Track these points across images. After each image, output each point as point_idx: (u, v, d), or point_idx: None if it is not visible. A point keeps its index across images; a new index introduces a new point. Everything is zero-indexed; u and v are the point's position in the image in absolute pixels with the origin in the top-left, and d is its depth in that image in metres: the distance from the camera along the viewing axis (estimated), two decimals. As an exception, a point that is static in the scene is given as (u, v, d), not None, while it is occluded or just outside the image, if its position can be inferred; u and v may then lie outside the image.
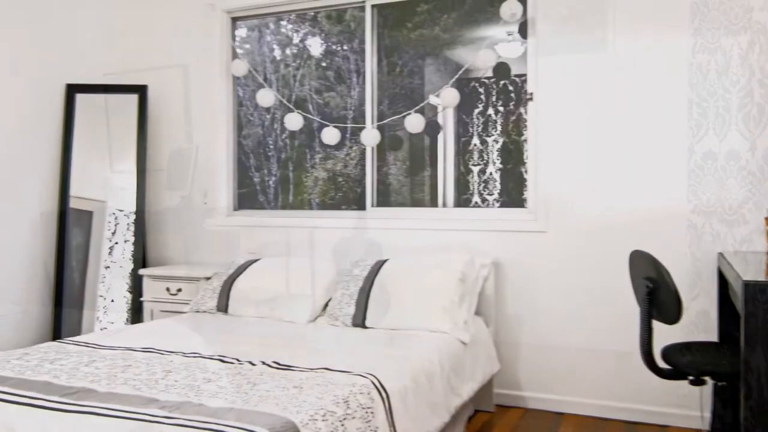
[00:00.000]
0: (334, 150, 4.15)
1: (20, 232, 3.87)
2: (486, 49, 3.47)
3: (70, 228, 4.03)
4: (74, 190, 4.05)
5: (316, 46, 4.31)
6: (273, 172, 4.33)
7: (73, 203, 4.04)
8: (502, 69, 3.55)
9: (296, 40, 4.33)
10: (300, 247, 3.71)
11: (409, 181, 4.09)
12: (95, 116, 4.12)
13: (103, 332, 2.93)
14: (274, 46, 4.35)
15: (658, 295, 2.33)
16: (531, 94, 3.43)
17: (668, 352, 2.42)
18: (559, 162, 3.35)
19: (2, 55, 3.75)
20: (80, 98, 4.09)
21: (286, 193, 4.32)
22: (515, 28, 3.53)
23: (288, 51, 4.33)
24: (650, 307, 2.36)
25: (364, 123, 3.86)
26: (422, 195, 4.12)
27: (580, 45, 3.29)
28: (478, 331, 3.09)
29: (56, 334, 3.96)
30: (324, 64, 4.25)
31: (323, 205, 4.22)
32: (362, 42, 3.93)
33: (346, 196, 4.14)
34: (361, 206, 3.97)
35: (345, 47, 4.15)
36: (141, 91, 4.11)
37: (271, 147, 4.33)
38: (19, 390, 2.00)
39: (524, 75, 3.56)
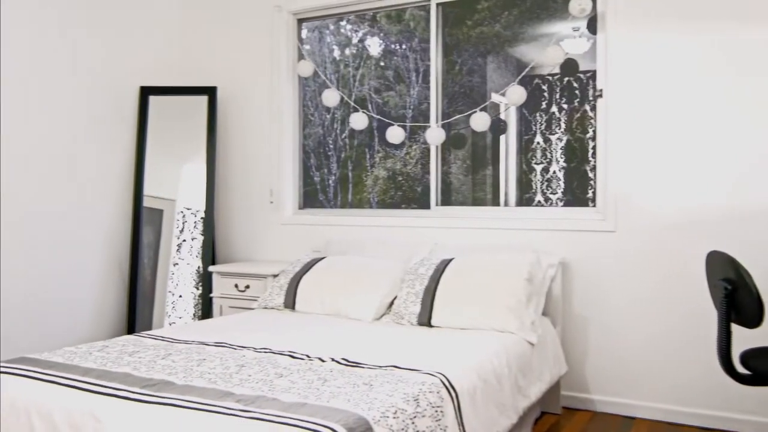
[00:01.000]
0: (394, 149, 4.16)
1: (98, 230, 4.04)
2: (554, 45, 3.41)
3: (143, 226, 4.18)
4: (146, 189, 4.21)
5: (374, 46, 4.34)
6: (333, 171, 4.38)
7: (145, 202, 4.20)
8: (569, 65, 3.48)
9: (355, 40, 4.37)
10: (364, 246, 3.73)
11: (469, 179, 4.06)
12: (167, 117, 4.26)
13: (177, 326, 3.02)
14: (334, 47, 4.40)
15: (737, 298, 2.24)
16: (600, 90, 3.36)
17: (748, 357, 2.33)
18: (629, 160, 3.27)
19: (80, 60, 3.92)
20: (153, 100, 4.24)
21: (345, 192, 4.37)
22: (582, 23, 3.46)
23: (347, 51, 4.37)
24: (728, 310, 2.27)
25: (423, 122, 3.87)
26: (483, 194, 4.09)
27: (651, 40, 3.21)
28: (545, 331, 3.05)
29: (130, 327, 4.11)
30: (383, 64, 4.27)
31: (382, 204, 4.24)
32: (422, 41, 3.93)
33: (405, 195, 4.15)
34: (421, 205, 3.97)
35: (404, 46, 4.16)
36: (210, 92, 4.23)
37: (331, 146, 4.38)
38: (103, 381, 2.09)
39: (589, 71, 3.48)
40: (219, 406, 1.84)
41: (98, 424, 1.87)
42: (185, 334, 2.77)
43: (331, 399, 1.91)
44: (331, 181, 4.38)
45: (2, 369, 2.21)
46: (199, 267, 4.17)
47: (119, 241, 4.18)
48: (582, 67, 3.52)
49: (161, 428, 1.79)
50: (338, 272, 3.36)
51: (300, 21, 4.26)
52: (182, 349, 2.51)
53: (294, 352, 2.44)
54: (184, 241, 4.21)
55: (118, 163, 4.15)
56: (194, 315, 4.13)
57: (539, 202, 3.81)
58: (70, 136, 3.86)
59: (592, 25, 3.39)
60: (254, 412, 1.79)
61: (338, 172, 4.36)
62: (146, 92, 4.24)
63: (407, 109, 4.11)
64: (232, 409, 1.82)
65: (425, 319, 2.98)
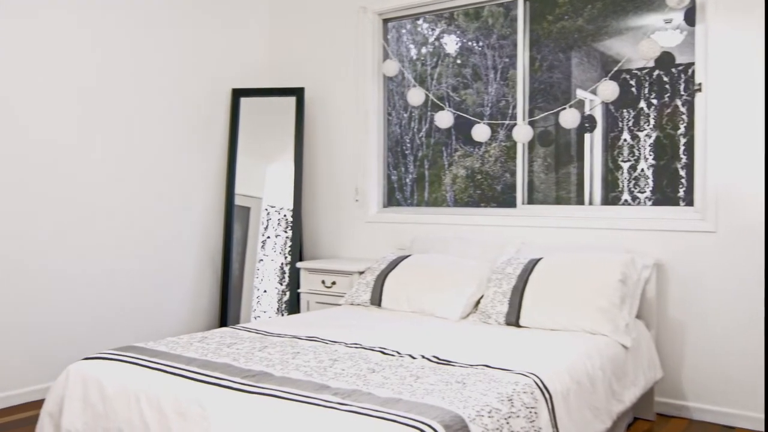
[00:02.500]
0: (471, 147, 4.14)
1: (194, 227, 4.22)
2: (647, 38, 3.29)
3: (233, 223, 4.34)
4: (237, 187, 4.36)
5: (451, 44, 4.32)
6: (410, 170, 4.39)
7: (235, 200, 4.36)
8: (665, 59, 3.35)
9: (432, 38, 4.36)
10: (448, 245, 3.73)
11: (550, 178, 3.98)
12: (256, 118, 4.40)
13: (269, 320, 3.12)
14: (411, 46, 4.41)
15: None
16: (699, 84, 3.22)
17: None
18: (730, 156, 3.12)
19: (175, 65, 4.10)
20: (244, 102, 4.39)
21: (421, 191, 4.37)
22: (677, 15, 3.33)
23: (424, 50, 4.37)
24: None
25: (501, 119, 3.82)
26: (566, 192, 4.00)
27: (753, 29, 3.05)
28: (639, 335, 2.96)
29: (222, 320, 4.27)
30: (459, 62, 4.25)
31: (460, 203, 4.22)
32: (501, 37, 3.89)
33: (484, 193, 4.11)
34: (500, 203, 3.94)
35: (481, 44, 4.12)
36: (298, 93, 4.33)
37: (408, 145, 4.39)
38: (205, 370, 2.18)
39: (680, 65, 3.34)
40: (317, 399, 1.88)
41: (203, 411, 1.95)
42: (278, 328, 2.86)
43: (426, 396, 1.92)
44: (408, 180, 4.40)
45: (112, 356, 2.35)
46: (282, 263, 4.27)
47: (213, 238, 4.35)
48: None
49: (262, 417, 1.85)
50: (424, 270, 3.37)
51: (385, 21, 4.30)
52: (276, 342, 2.59)
53: (384, 349, 2.47)
54: (269, 238, 4.33)
55: (211, 163, 4.32)
56: (277, 310, 4.25)
57: (626, 201, 3.69)
58: (167, 138, 4.05)
59: (690, 17, 3.25)
60: (351, 405, 1.82)
61: (415, 170, 4.38)
62: (237, 94, 4.39)
63: (485, 107, 4.08)
64: (330, 401, 1.86)
65: (513, 319, 2.95)
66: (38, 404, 3.27)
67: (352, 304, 3.45)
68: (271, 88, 4.43)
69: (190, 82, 4.17)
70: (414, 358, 2.36)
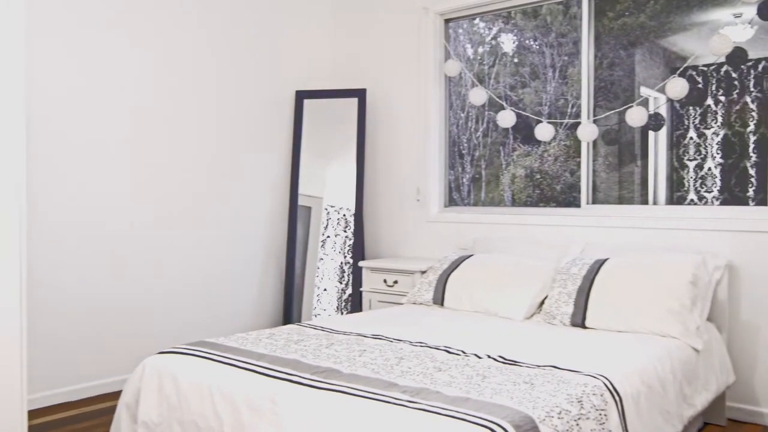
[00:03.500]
0: (530, 146, 4.10)
1: (258, 226, 4.33)
2: (719, 34, 3.20)
3: (297, 223, 4.42)
4: (299, 187, 4.44)
5: (508, 43, 4.29)
6: (467, 170, 4.38)
7: (299, 200, 4.44)
8: (737, 55, 3.25)
9: (488, 38, 4.33)
10: (511, 244, 3.70)
11: (611, 177, 3.90)
12: (319, 119, 4.47)
13: (333, 318, 3.17)
14: (467, 45, 4.40)
15: None
16: (774, 80, 3.11)
17: None
18: (808, 155, 2.99)
19: (241, 68, 4.21)
20: (307, 103, 4.46)
21: (478, 191, 4.35)
22: (747, 9, 3.22)
23: (480, 49, 4.35)
24: None
25: (559, 118, 3.76)
26: (628, 192, 3.91)
27: None
28: (710, 338, 2.87)
29: (286, 317, 4.36)
30: (517, 61, 4.22)
31: (519, 203, 4.19)
32: (559, 35, 3.83)
33: (543, 193, 4.07)
34: (560, 203, 3.89)
35: (539, 42, 4.07)
36: (360, 94, 4.38)
37: (465, 145, 4.38)
38: (275, 366, 2.24)
39: (752, 60, 3.23)
40: (386, 396, 1.91)
41: (274, 406, 2.00)
42: (342, 326, 2.90)
43: (494, 395, 1.92)
44: (465, 180, 4.39)
45: (186, 351, 2.44)
46: (341, 262, 4.33)
47: (277, 237, 4.45)
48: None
49: (332, 413, 1.89)
50: (487, 270, 3.36)
51: (447, 21, 4.30)
52: (342, 339, 2.63)
53: (449, 348, 2.48)
54: (329, 237, 4.39)
55: (276, 164, 4.42)
56: (337, 308, 4.31)
57: (692, 200, 3.59)
58: (234, 139, 4.17)
59: (764, 11, 3.14)
60: (420, 403, 1.84)
61: (472, 170, 4.36)
62: (301, 96, 4.47)
63: (543, 105, 4.03)
64: (399, 399, 1.88)
65: (579, 320, 2.92)
66: (116, 395, 3.42)
67: (414, 303, 3.47)
68: (333, 89, 4.49)
69: (256, 85, 4.28)
70: (480, 357, 2.36)
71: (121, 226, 3.62)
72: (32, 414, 3.13)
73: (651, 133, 3.77)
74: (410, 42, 4.33)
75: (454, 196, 4.41)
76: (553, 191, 3.99)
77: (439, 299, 3.37)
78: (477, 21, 4.36)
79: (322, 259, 4.39)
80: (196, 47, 3.95)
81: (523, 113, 3.95)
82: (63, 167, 3.39)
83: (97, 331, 3.54)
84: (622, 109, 3.56)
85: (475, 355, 2.38)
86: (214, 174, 4.06)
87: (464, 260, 3.50)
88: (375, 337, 2.67)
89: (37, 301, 3.26)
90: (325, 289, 4.37)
